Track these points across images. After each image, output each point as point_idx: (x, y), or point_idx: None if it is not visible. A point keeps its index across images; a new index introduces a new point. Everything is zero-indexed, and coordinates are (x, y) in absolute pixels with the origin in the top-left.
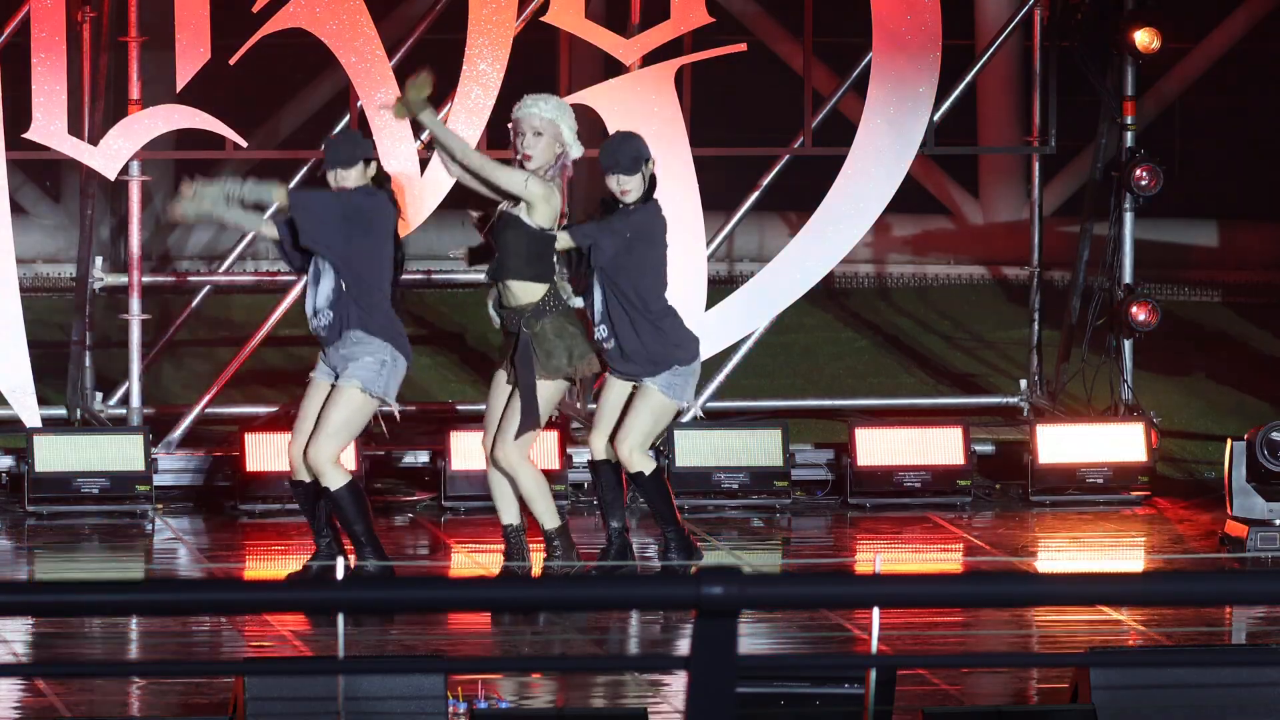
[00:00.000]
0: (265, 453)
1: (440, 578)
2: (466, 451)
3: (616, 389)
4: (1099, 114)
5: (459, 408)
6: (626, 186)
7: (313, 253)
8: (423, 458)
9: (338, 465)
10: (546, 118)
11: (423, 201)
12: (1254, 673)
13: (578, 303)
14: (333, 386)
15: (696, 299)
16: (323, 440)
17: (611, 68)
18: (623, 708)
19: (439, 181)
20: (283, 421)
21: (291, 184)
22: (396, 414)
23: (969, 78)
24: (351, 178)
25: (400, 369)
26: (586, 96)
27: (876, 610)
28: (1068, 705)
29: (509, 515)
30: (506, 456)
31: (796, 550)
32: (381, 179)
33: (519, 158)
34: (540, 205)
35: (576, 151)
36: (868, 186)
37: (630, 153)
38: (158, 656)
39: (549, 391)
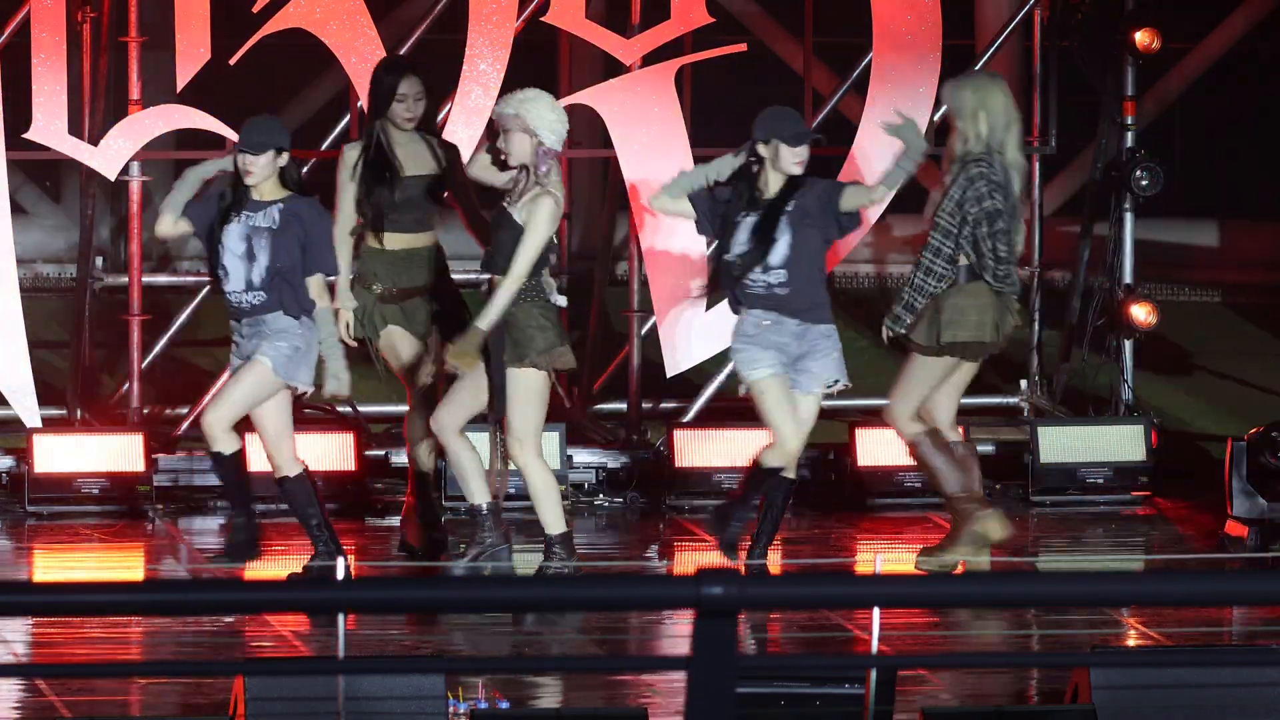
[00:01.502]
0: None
1: (440, 578)
2: None
3: (781, 388)
4: (1099, 114)
5: None
6: (803, 158)
7: (220, 239)
8: None
9: (230, 432)
10: (509, 113)
11: None
12: (1254, 673)
13: (562, 301)
14: None
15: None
16: (223, 406)
17: (611, 68)
18: (623, 708)
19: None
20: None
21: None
22: (306, 392)
23: None
24: (259, 165)
25: (312, 354)
26: (586, 96)
27: (876, 610)
28: (1068, 705)
29: (480, 494)
30: (520, 456)
31: (796, 550)
32: (292, 171)
33: (503, 156)
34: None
35: (551, 139)
36: None
37: (800, 124)
38: (158, 656)
39: (531, 384)
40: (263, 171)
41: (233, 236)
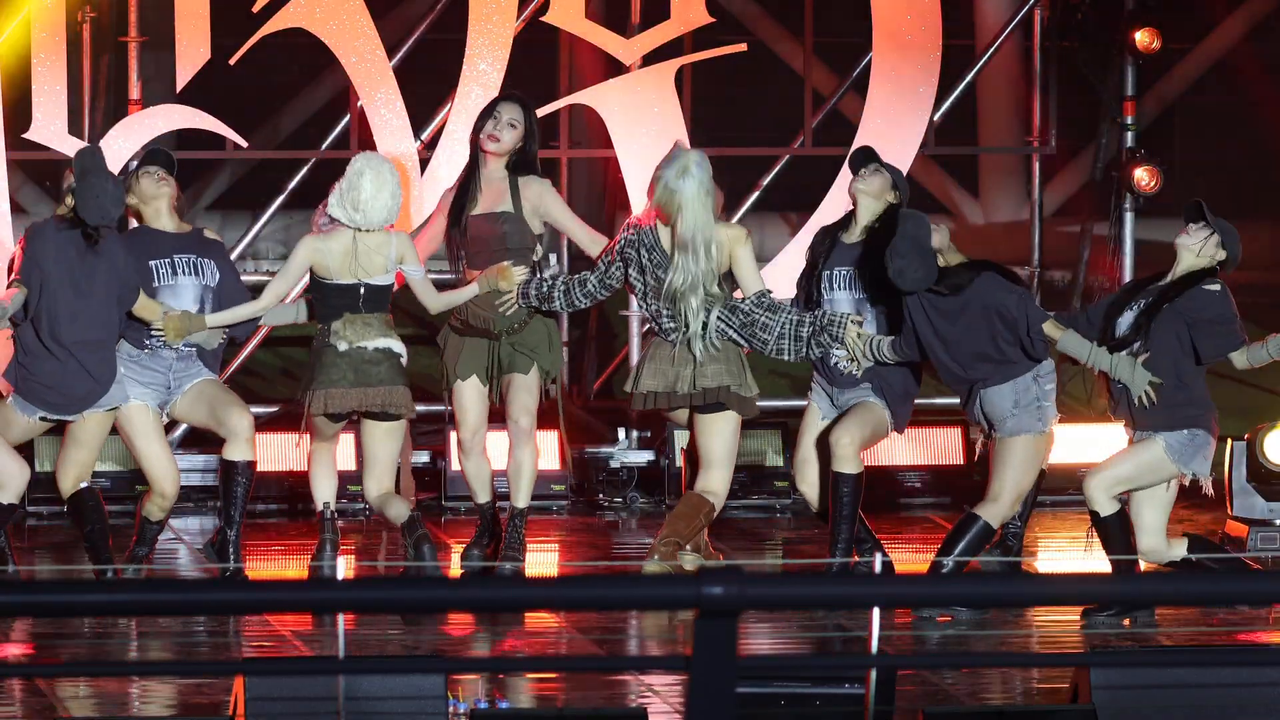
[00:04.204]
0: (265, 453)
1: (440, 578)
2: None
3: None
4: (1099, 114)
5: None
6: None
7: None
8: (423, 458)
9: None
10: None
11: (422, 202)
12: (1254, 673)
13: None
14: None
15: None
16: None
17: (611, 68)
18: (623, 708)
19: (438, 182)
20: (283, 421)
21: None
22: None
23: (969, 78)
24: None
25: None
26: (586, 96)
27: (877, 610)
28: (1068, 705)
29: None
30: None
31: (796, 550)
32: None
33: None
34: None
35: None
36: None
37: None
38: (158, 656)
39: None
40: None
41: None
